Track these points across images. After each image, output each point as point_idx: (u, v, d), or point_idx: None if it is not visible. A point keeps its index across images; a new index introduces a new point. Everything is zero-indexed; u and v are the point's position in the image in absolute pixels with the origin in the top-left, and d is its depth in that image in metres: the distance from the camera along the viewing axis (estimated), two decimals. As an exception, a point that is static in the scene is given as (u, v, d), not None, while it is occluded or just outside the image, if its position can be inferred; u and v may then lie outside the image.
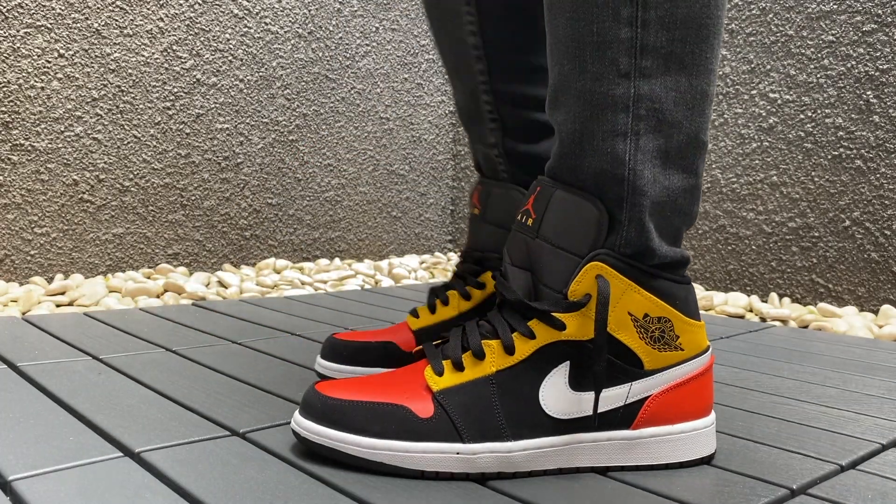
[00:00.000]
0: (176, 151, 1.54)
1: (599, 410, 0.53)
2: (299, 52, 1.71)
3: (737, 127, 1.53)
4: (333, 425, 0.51)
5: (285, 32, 1.68)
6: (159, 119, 1.51)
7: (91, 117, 1.42)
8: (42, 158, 1.38)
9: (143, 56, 1.48)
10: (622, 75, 0.50)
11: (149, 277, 1.45)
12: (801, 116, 1.44)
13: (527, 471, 0.52)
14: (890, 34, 1.34)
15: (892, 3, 1.33)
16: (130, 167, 1.48)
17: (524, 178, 0.72)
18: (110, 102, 1.45)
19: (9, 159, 1.34)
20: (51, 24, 1.36)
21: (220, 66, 1.59)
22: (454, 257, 2.01)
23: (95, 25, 1.42)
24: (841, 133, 1.40)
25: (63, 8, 1.38)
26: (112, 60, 1.44)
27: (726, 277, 1.56)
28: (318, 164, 1.77)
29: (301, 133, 1.73)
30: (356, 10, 1.81)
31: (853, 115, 1.38)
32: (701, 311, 1.28)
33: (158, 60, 1.50)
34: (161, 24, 1.49)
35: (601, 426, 0.54)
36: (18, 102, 1.34)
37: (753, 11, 1.50)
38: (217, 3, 1.57)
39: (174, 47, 1.52)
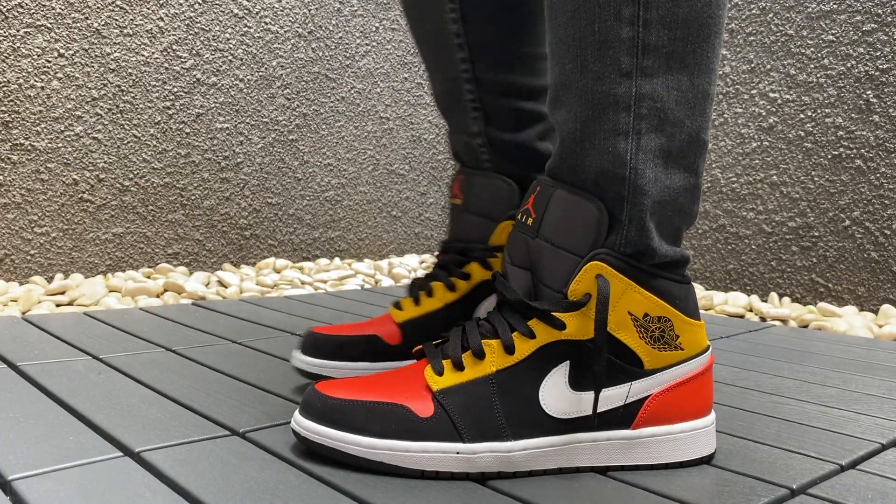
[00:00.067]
0: (176, 151, 1.54)
1: (599, 410, 0.53)
2: (299, 52, 1.71)
3: (737, 126, 1.53)
4: (333, 425, 0.51)
5: (285, 32, 1.68)
6: (159, 119, 1.51)
7: (91, 117, 1.42)
8: (42, 158, 1.38)
9: (143, 56, 1.48)
10: (624, 74, 0.50)
11: (149, 277, 1.45)
12: (801, 116, 1.44)
13: (527, 470, 0.52)
14: (890, 34, 1.33)
15: (892, 2, 1.33)
16: (130, 167, 1.48)
17: (507, 167, 0.71)
18: (110, 102, 1.45)
19: (9, 159, 1.34)
20: (51, 23, 1.36)
21: (220, 66, 1.59)
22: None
23: (95, 25, 1.41)
24: (841, 133, 1.40)
25: (63, 8, 1.38)
26: (112, 60, 1.44)
27: (726, 277, 1.56)
28: (318, 164, 1.77)
29: (301, 133, 1.73)
30: (356, 10, 1.81)
31: (853, 115, 1.38)
32: (701, 311, 1.28)
33: (158, 60, 1.50)
34: (161, 24, 1.49)
35: (601, 426, 0.54)
36: (18, 102, 1.34)
37: (753, 11, 1.50)
38: (217, 2, 1.57)
39: (174, 47, 1.52)
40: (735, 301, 1.43)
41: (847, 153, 1.39)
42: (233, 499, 0.47)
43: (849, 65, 1.38)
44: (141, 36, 1.47)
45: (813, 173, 1.43)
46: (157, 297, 1.31)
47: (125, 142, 1.47)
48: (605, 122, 0.51)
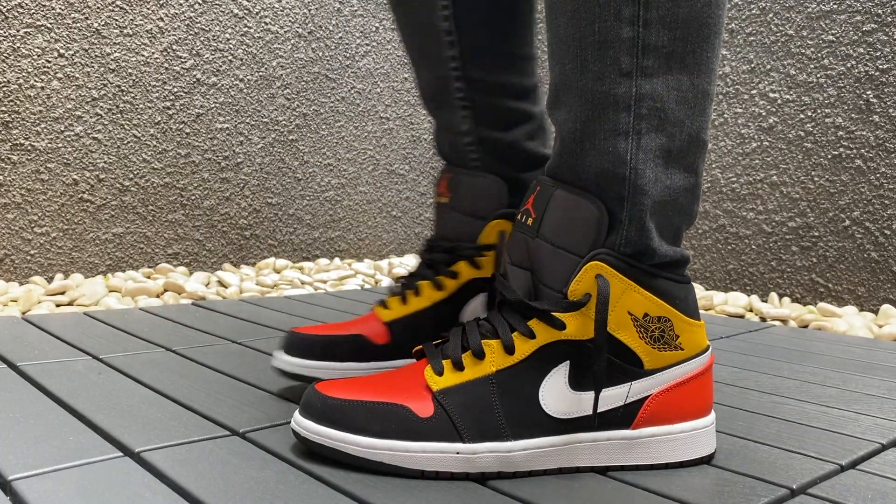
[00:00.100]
0: (176, 151, 1.54)
1: (599, 410, 0.53)
2: (299, 52, 1.71)
3: (737, 127, 1.53)
4: (333, 425, 0.51)
5: (285, 32, 1.68)
6: (159, 119, 1.51)
7: (91, 117, 1.42)
8: (42, 158, 1.38)
9: (143, 56, 1.48)
10: (624, 74, 0.50)
11: (149, 277, 1.45)
12: (801, 116, 1.44)
13: (527, 470, 0.52)
14: (890, 34, 1.34)
15: (892, 3, 1.33)
16: (130, 167, 1.48)
17: (496, 166, 0.71)
18: (110, 102, 1.45)
19: (9, 159, 1.34)
20: (51, 23, 1.36)
21: (220, 66, 1.59)
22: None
23: (95, 25, 1.41)
24: (841, 133, 1.40)
25: (63, 8, 1.38)
26: (112, 60, 1.44)
27: (726, 277, 1.56)
28: (318, 164, 1.77)
29: (301, 133, 1.73)
30: (356, 10, 1.81)
31: (853, 115, 1.38)
32: (701, 311, 1.28)
33: (158, 60, 1.50)
34: (161, 24, 1.49)
35: (601, 426, 0.54)
36: (18, 102, 1.34)
37: (753, 11, 1.50)
38: (217, 2, 1.57)
39: (174, 47, 1.52)
40: (735, 301, 1.43)
41: (847, 153, 1.39)
42: (233, 499, 0.47)
43: (849, 65, 1.38)
44: (141, 36, 1.47)
45: (813, 173, 1.43)
46: (157, 297, 1.31)
47: (125, 142, 1.47)
48: (605, 122, 0.51)
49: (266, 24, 1.65)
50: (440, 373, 0.53)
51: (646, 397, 0.54)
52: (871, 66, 1.36)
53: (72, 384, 0.71)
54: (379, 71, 1.87)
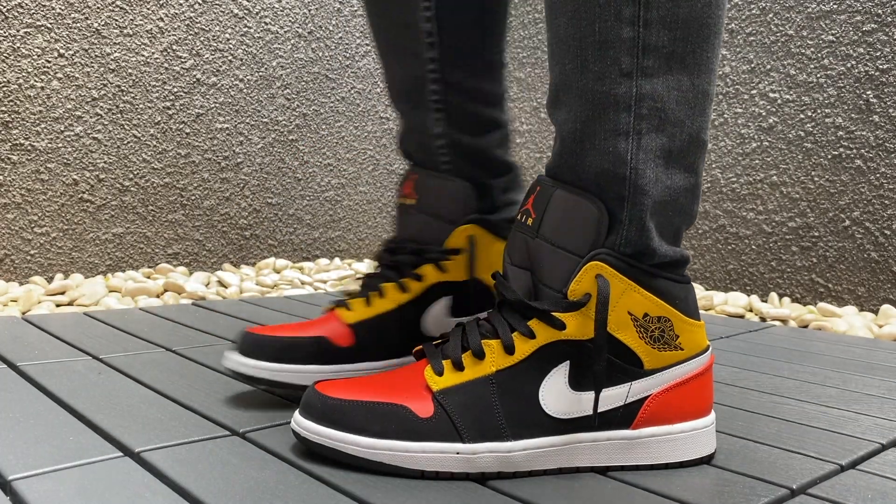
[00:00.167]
0: (176, 151, 1.54)
1: (599, 410, 0.53)
2: (299, 52, 1.71)
3: (737, 127, 1.53)
4: (333, 425, 0.51)
5: (285, 32, 1.68)
6: (159, 119, 1.51)
7: (91, 117, 1.42)
8: (42, 158, 1.38)
9: (143, 56, 1.48)
10: (624, 74, 0.50)
11: (149, 277, 1.45)
12: (801, 116, 1.44)
13: (527, 470, 0.52)
14: (890, 34, 1.34)
15: (892, 3, 1.33)
16: (130, 167, 1.48)
17: (465, 171, 0.70)
18: (110, 102, 1.45)
19: (9, 159, 1.34)
20: (51, 24, 1.36)
21: (220, 66, 1.59)
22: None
23: (95, 25, 1.41)
24: (841, 133, 1.40)
25: (63, 8, 1.38)
26: (112, 60, 1.44)
27: (726, 277, 1.56)
28: (318, 164, 1.77)
29: (301, 133, 1.73)
30: (356, 10, 1.81)
31: (853, 115, 1.38)
32: (701, 311, 1.28)
33: (158, 60, 1.50)
34: (161, 24, 1.49)
35: (601, 426, 0.54)
36: (18, 102, 1.34)
37: (753, 11, 1.50)
38: (217, 3, 1.57)
39: (174, 47, 1.52)
40: (735, 301, 1.43)
41: (847, 153, 1.39)
42: (233, 499, 0.47)
43: (849, 65, 1.38)
44: (141, 36, 1.47)
45: (813, 173, 1.43)
46: (157, 297, 1.31)
47: (125, 142, 1.47)
48: (605, 122, 0.51)
49: (266, 24, 1.65)
50: (440, 373, 0.53)
51: (646, 397, 0.54)
52: (871, 66, 1.36)
53: (72, 384, 0.71)
54: (379, 71, 1.87)
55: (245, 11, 1.61)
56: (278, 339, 0.65)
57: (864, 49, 1.36)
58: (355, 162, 1.84)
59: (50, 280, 1.40)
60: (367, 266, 1.72)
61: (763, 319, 1.34)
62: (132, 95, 1.47)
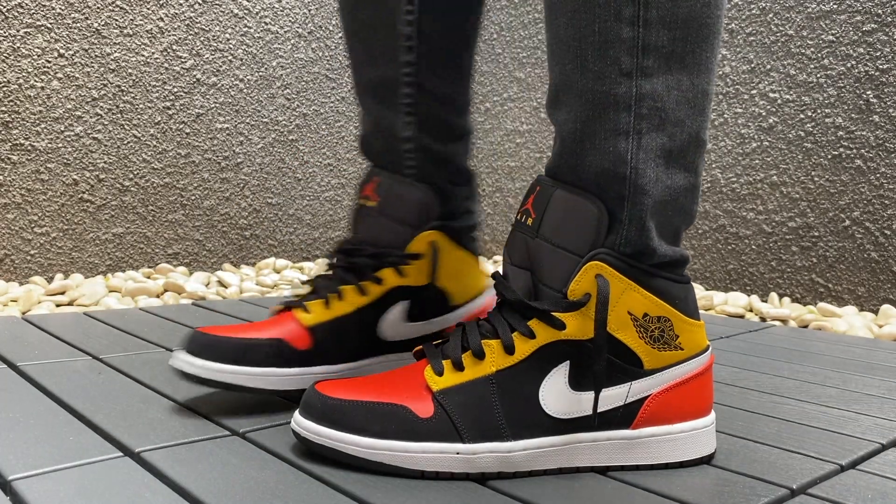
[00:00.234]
0: (176, 151, 1.54)
1: (599, 410, 0.53)
2: (299, 52, 1.71)
3: (737, 127, 1.53)
4: (333, 425, 0.51)
5: (285, 32, 1.68)
6: (159, 119, 1.51)
7: (91, 117, 1.42)
8: (42, 158, 1.38)
9: (143, 56, 1.48)
10: (624, 74, 0.50)
11: (149, 277, 1.45)
12: (801, 116, 1.44)
13: (527, 470, 0.52)
14: (890, 34, 1.34)
15: (892, 3, 1.33)
16: (130, 167, 1.48)
17: (431, 177, 0.70)
18: (110, 102, 1.45)
19: (9, 159, 1.34)
20: (51, 24, 1.36)
21: (220, 66, 1.59)
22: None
23: (95, 25, 1.41)
24: (841, 133, 1.40)
25: (63, 8, 1.38)
26: (112, 60, 1.44)
27: (726, 277, 1.56)
28: (318, 164, 1.77)
29: (301, 133, 1.73)
30: (356, 10, 1.80)
31: (853, 115, 1.38)
32: (701, 311, 1.28)
33: (158, 60, 1.50)
34: (161, 24, 1.49)
35: (601, 426, 0.54)
36: (18, 102, 1.34)
37: (753, 11, 1.50)
38: (217, 3, 1.57)
39: (174, 47, 1.52)
40: (735, 301, 1.43)
41: (847, 153, 1.39)
42: (233, 499, 0.47)
43: (849, 65, 1.38)
44: (141, 36, 1.47)
45: (813, 173, 1.43)
46: (157, 297, 1.31)
47: (125, 142, 1.47)
48: (605, 121, 0.51)
49: (266, 24, 1.65)
50: (440, 373, 0.53)
51: (646, 397, 0.54)
52: (871, 66, 1.36)
53: (72, 384, 0.71)
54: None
55: (245, 11, 1.61)
56: (235, 341, 0.63)
57: (864, 49, 1.36)
58: (355, 162, 1.84)
59: (50, 280, 1.40)
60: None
61: (763, 319, 1.34)
62: (132, 95, 1.47)
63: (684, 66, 0.51)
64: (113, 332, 0.95)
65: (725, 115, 1.55)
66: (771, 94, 1.48)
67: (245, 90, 1.63)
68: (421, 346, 0.57)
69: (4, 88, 1.33)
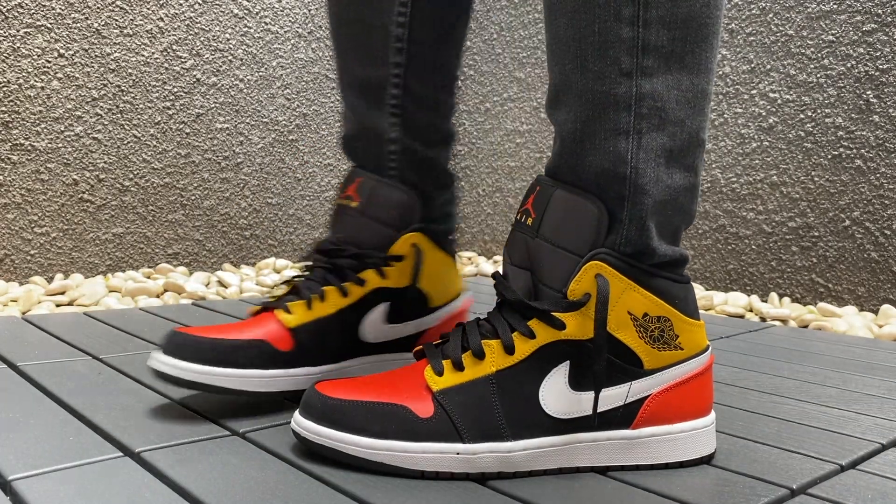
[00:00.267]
0: (176, 151, 1.54)
1: (599, 410, 0.53)
2: (299, 52, 1.71)
3: (737, 127, 1.53)
4: (333, 425, 0.51)
5: (285, 32, 1.68)
6: (159, 119, 1.51)
7: (91, 117, 1.42)
8: (42, 158, 1.38)
9: (143, 56, 1.48)
10: (624, 74, 0.50)
11: (149, 277, 1.45)
12: (801, 116, 1.44)
13: (527, 470, 0.52)
14: (890, 34, 1.34)
15: (892, 3, 1.33)
16: (130, 167, 1.48)
17: (414, 179, 0.70)
18: (110, 102, 1.45)
19: (9, 159, 1.34)
20: (51, 24, 1.36)
21: (220, 66, 1.59)
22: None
23: (95, 25, 1.41)
24: (841, 133, 1.40)
25: (63, 8, 1.38)
26: (112, 60, 1.44)
27: (726, 277, 1.56)
28: (318, 164, 1.77)
29: (301, 133, 1.73)
30: (356, 10, 1.80)
31: (853, 115, 1.38)
32: (701, 311, 1.28)
33: (158, 60, 1.50)
34: (161, 24, 1.49)
35: (601, 426, 0.54)
36: (18, 102, 1.34)
37: (753, 11, 1.50)
38: (217, 3, 1.57)
39: (174, 47, 1.52)
40: (735, 301, 1.43)
41: (847, 153, 1.39)
42: (233, 499, 0.47)
43: (849, 65, 1.38)
44: (141, 36, 1.47)
45: (813, 173, 1.43)
46: (157, 297, 1.31)
47: (125, 142, 1.47)
48: (605, 121, 0.51)
49: (266, 24, 1.65)
50: (440, 373, 0.53)
51: (646, 397, 0.54)
52: (871, 66, 1.36)
53: (72, 384, 0.71)
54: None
55: (245, 11, 1.61)
56: (216, 342, 0.62)
57: (864, 49, 1.36)
58: (355, 162, 1.84)
59: (50, 280, 1.40)
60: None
61: (763, 319, 1.34)
62: (132, 95, 1.47)
63: (684, 66, 0.51)
64: (113, 332, 0.95)
65: (725, 115, 1.55)
66: (771, 94, 1.48)
67: (245, 90, 1.63)
68: (421, 346, 0.57)
69: (4, 88, 1.33)
